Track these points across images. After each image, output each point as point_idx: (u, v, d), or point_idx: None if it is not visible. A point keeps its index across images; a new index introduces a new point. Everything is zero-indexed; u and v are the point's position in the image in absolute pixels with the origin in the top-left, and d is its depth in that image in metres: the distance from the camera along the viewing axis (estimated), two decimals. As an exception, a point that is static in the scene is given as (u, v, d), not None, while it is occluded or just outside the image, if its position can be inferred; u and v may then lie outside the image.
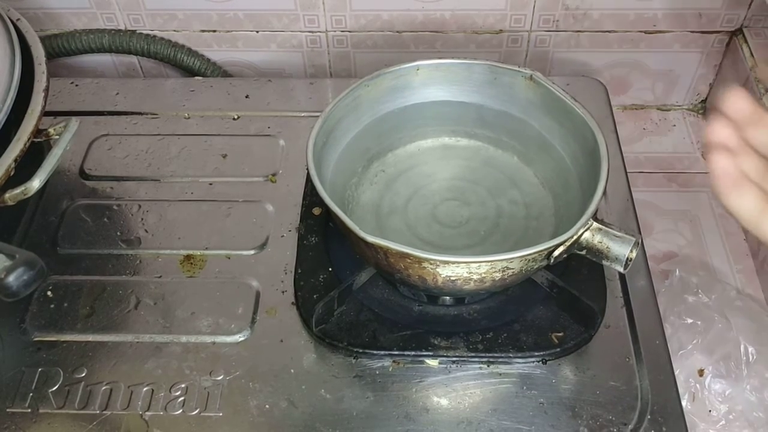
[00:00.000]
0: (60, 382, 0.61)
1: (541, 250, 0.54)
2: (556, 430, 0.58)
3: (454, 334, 0.62)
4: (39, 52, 0.68)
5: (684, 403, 0.69)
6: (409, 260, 0.55)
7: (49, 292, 0.67)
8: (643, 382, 0.60)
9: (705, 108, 1.01)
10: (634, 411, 0.59)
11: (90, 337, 0.64)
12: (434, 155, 0.72)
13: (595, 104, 0.82)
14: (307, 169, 0.61)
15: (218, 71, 0.96)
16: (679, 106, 1.01)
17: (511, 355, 0.61)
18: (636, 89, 0.99)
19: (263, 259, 0.69)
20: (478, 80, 0.69)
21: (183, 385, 0.61)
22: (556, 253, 0.55)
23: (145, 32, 0.94)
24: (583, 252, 0.57)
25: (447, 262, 0.54)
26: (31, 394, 0.60)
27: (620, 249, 0.55)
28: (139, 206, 0.74)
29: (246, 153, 0.78)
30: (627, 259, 0.55)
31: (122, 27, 0.94)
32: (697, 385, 0.72)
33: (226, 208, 0.73)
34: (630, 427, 0.58)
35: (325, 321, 0.63)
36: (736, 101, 0.44)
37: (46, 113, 0.64)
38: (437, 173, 0.71)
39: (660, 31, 0.92)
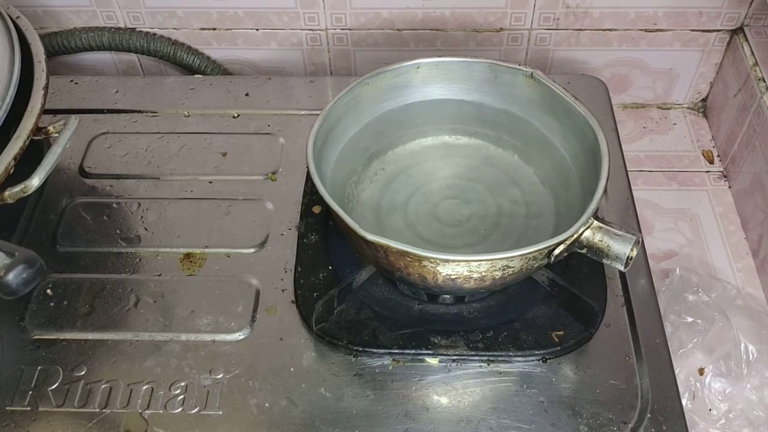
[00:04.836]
0: (59, 381, 0.61)
1: (542, 249, 0.54)
2: (556, 429, 0.58)
3: (454, 332, 0.62)
4: (39, 50, 0.68)
5: (684, 401, 0.69)
6: (409, 259, 0.55)
7: (48, 290, 0.67)
8: (643, 381, 0.60)
9: (705, 106, 1.01)
10: (634, 410, 0.59)
11: (89, 336, 0.64)
12: (434, 154, 0.72)
13: (596, 103, 0.82)
14: (307, 167, 0.61)
15: (218, 69, 0.96)
16: (680, 104, 1.01)
17: (511, 353, 0.61)
18: (636, 88, 0.99)
19: (263, 258, 0.69)
20: (479, 78, 0.69)
21: (182, 384, 0.61)
22: (557, 251, 0.55)
23: (144, 30, 0.94)
24: (584, 251, 0.57)
25: (447, 261, 0.54)
26: (30, 393, 0.60)
27: (621, 248, 0.55)
28: (139, 204, 0.74)
29: (246, 151, 0.78)
30: (627, 257, 0.55)
31: (122, 25, 0.93)
32: (698, 384, 0.71)
33: (226, 207, 0.73)
34: (630, 425, 0.58)
35: (325, 319, 0.63)
36: None
37: (45, 111, 0.64)
38: (437, 172, 0.71)
39: (660, 30, 0.92)
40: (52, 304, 0.66)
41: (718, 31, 0.91)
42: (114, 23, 0.93)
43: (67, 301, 0.66)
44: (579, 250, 0.57)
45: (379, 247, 0.55)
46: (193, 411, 0.59)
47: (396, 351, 0.61)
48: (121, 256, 0.70)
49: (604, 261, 0.56)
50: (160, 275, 0.68)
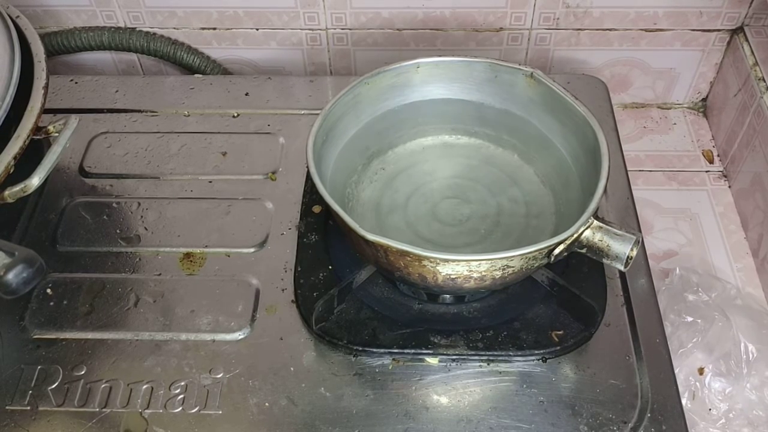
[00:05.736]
0: (59, 380, 0.61)
1: (542, 249, 0.54)
2: (556, 429, 0.58)
3: (454, 332, 0.62)
4: (39, 50, 0.68)
5: (684, 401, 0.69)
6: (409, 258, 0.55)
7: (48, 290, 0.67)
8: (643, 381, 0.60)
9: (705, 106, 1.00)
10: (634, 409, 0.59)
11: (89, 335, 0.64)
12: (434, 153, 0.72)
13: (596, 102, 0.82)
14: (307, 166, 0.61)
15: (218, 69, 0.96)
16: (680, 104, 1.01)
17: (511, 353, 0.61)
18: (636, 87, 0.99)
19: (263, 257, 0.69)
20: (479, 78, 0.69)
21: (182, 383, 0.61)
22: (557, 251, 0.55)
23: (144, 30, 0.93)
24: (584, 250, 0.57)
25: (447, 260, 0.54)
26: (30, 392, 0.60)
27: (621, 247, 0.55)
28: (139, 204, 0.74)
29: (246, 151, 0.78)
30: (627, 257, 0.55)
31: (122, 24, 0.93)
32: (697, 384, 0.71)
33: (226, 206, 0.73)
34: (630, 425, 0.58)
35: (325, 319, 0.63)
36: None
37: (45, 111, 0.64)
38: (437, 171, 0.71)
39: (661, 29, 0.92)
40: (52, 303, 0.66)
41: (718, 30, 0.91)
42: (114, 23, 0.93)
43: (67, 300, 0.66)
44: (579, 250, 0.57)
45: (379, 247, 0.55)
46: (193, 410, 0.59)
47: (396, 350, 0.61)
48: (121, 255, 0.70)
49: (604, 261, 0.56)
50: (160, 275, 0.68)
